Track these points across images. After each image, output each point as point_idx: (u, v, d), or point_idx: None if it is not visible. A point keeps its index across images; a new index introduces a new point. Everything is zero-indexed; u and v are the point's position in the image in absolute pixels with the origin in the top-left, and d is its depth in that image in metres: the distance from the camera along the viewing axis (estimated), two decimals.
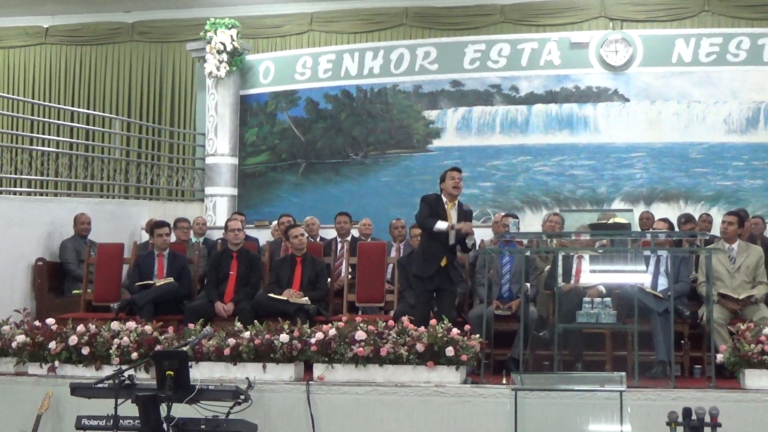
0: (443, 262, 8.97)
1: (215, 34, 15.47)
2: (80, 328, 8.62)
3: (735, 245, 9.39)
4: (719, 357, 7.89)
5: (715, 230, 11.00)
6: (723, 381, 7.97)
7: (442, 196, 9.14)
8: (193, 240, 12.39)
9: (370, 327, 8.15)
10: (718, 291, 8.99)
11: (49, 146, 15.09)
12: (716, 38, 14.29)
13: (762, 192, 13.86)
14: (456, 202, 9.15)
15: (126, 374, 6.75)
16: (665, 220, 10.64)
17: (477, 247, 9.44)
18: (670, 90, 14.33)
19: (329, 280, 10.44)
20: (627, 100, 14.42)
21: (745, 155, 14.03)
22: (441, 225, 8.92)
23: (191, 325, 8.55)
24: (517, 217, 9.77)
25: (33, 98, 17.87)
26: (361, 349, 7.99)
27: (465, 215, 9.20)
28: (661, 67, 14.38)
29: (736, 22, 15.55)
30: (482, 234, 11.83)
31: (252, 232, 12.90)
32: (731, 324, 8.51)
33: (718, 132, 14.11)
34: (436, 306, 9.06)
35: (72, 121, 16.63)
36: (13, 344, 8.64)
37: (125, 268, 11.12)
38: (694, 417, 6.17)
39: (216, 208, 15.51)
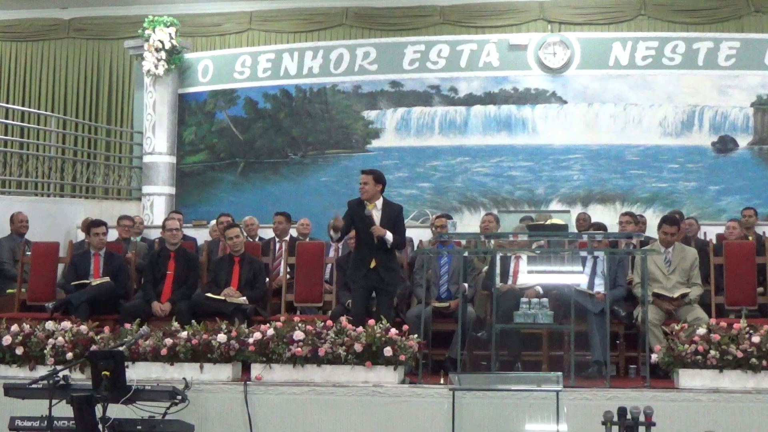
0: (372, 264, 8.98)
1: (153, 31, 15.35)
2: (14, 327, 8.50)
3: (670, 247, 9.50)
4: (654, 357, 7.97)
5: (650, 231, 11.12)
6: (657, 381, 8.07)
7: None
8: (131, 239, 12.28)
9: (309, 327, 8.12)
10: (653, 291, 9.09)
11: None
12: (652, 42, 14.45)
13: (696, 194, 14.04)
14: (376, 203, 9.05)
15: (61, 374, 6.69)
16: (601, 226, 10.79)
17: (391, 243, 9.12)
18: (606, 93, 14.46)
19: (267, 279, 10.41)
20: (564, 102, 14.52)
21: (680, 158, 14.20)
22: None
23: (128, 325, 8.47)
24: (451, 218, 9.79)
25: None
26: (299, 349, 7.96)
27: (388, 216, 9.09)
28: (599, 70, 14.50)
29: (671, 26, 15.78)
30: (420, 234, 11.88)
31: (190, 232, 12.82)
32: (666, 324, 8.61)
33: (654, 135, 14.27)
34: (375, 307, 9.06)
35: (6, 118, 16.38)
36: None
37: (60, 267, 10.98)
38: (629, 416, 6.23)
39: (153, 207, 15.37)
